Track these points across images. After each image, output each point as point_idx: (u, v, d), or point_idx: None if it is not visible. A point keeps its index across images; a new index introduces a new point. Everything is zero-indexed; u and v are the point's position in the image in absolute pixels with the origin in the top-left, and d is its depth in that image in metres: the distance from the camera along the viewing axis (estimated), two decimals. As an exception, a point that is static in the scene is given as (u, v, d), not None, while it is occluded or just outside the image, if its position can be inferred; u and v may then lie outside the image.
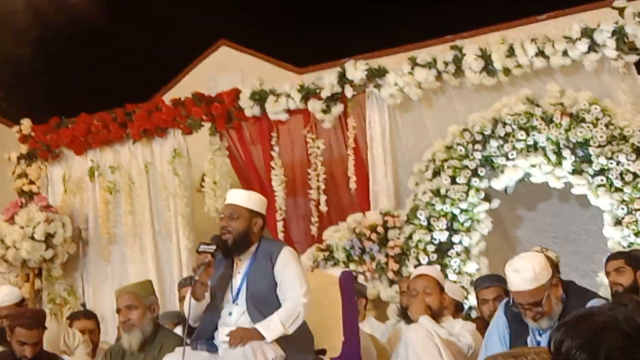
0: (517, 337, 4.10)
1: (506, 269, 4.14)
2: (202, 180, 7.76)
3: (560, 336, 1.29)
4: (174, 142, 7.77)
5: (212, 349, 4.49)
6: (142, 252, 7.77)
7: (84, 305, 7.64)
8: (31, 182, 8.09)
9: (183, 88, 8.58)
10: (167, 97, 8.10)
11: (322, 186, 7.24)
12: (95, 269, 7.98)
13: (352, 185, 7.09)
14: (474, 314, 6.09)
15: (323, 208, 7.20)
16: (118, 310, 4.93)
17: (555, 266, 5.26)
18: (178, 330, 5.53)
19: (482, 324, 5.16)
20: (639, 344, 1.20)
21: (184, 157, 7.71)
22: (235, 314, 4.45)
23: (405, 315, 5.35)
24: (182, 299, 5.48)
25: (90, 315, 6.51)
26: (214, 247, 4.38)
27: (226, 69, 9.15)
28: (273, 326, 4.28)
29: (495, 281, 5.60)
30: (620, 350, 1.20)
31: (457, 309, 5.38)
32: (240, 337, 4.20)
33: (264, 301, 4.40)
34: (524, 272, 3.98)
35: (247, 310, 4.41)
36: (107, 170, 7.99)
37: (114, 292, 7.35)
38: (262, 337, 4.23)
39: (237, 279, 4.51)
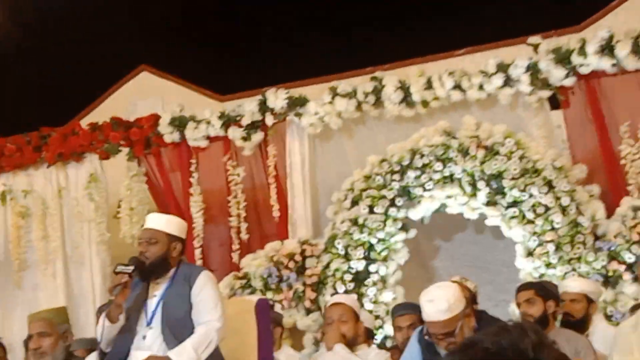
0: None
1: (420, 298, 4.17)
2: (119, 206, 7.64)
3: None
4: (90, 167, 7.63)
5: (123, 377, 4.40)
6: (54, 278, 7.57)
7: (-8, 332, 7.40)
8: (-59, 204, 7.83)
9: (102, 112, 8.45)
10: (85, 122, 7.96)
11: (243, 214, 7.20)
12: (5, 294, 7.73)
13: (276, 213, 7.07)
14: (389, 343, 6.11)
15: (244, 236, 7.16)
16: (29, 337, 4.77)
17: (473, 296, 5.34)
18: (91, 357, 5.40)
19: (397, 354, 5.18)
20: None
21: (100, 182, 7.57)
22: (149, 338, 4.36)
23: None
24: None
25: None
26: (131, 267, 4.30)
27: (147, 95, 9.06)
28: (186, 354, 4.21)
29: (410, 309, 5.62)
30: None
31: (368, 336, 5.38)
32: None
33: (179, 325, 4.33)
34: (438, 303, 4.01)
35: (162, 334, 4.33)
36: (20, 194, 7.79)
37: (24, 319, 7.17)
38: (174, 366, 4.16)
39: (153, 302, 4.43)
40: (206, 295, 4.40)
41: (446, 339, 3.99)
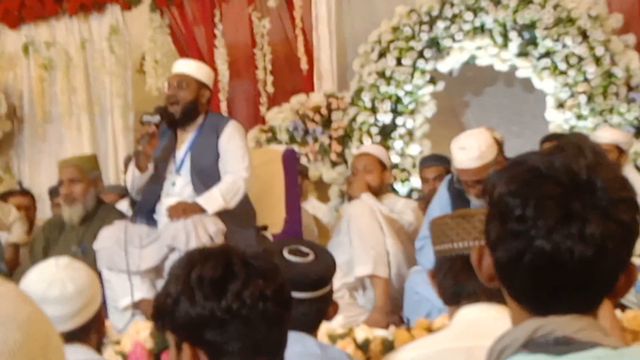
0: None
1: (452, 146, 4.12)
2: (143, 59, 7.54)
3: (493, 182, 1.23)
4: (111, 18, 7.49)
5: (152, 222, 4.45)
6: (78, 130, 7.58)
7: (20, 183, 7.47)
8: (-38, 56, 7.78)
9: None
10: (106, -29, 7.78)
11: (269, 67, 7.09)
12: (31, 147, 7.78)
13: (304, 66, 6.95)
14: (415, 196, 6.12)
15: (270, 89, 7.08)
16: (60, 182, 4.80)
17: (499, 146, 5.29)
18: (122, 203, 5.46)
19: (424, 205, 5.19)
20: (571, 192, 1.15)
21: (121, 34, 7.44)
22: (178, 185, 4.41)
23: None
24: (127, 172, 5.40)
25: (26, 192, 6.36)
26: (157, 117, 4.29)
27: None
28: (214, 199, 4.24)
29: (437, 161, 5.61)
30: (552, 198, 1.14)
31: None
32: (182, 210, 4.15)
33: (207, 173, 4.36)
34: (470, 150, 3.97)
35: (191, 181, 4.37)
36: (42, 46, 7.69)
37: (50, 170, 7.26)
38: (203, 211, 4.19)
39: (181, 150, 4.45)
40: (234, 145, 4.40)
41: (477, 186, 3.97)
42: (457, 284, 1.96)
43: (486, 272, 1.26)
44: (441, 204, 4.29)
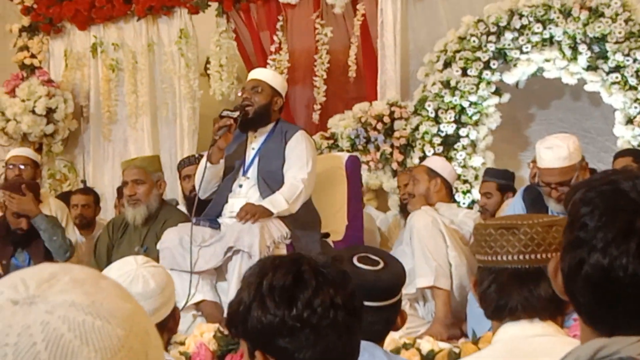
0: None
1: (537, 146, 4.08)
2: (207, 63, 7.61)
3: (574, 189, 1.20)
4: (180, 21, 7.57)
5: (215, 225, 4.50)
6: (143, 132, 7.67)
7: (84, 182, 7.60)
8: (32, 56, 7.91)
9: (190, -33, 8.32)
10: (174, -25, 7.87)
11: (326, 74, 7.10)
12: (95, 146, 7.89)
13: (352, 74, 6.94)
14: (475, 208, 6.05)
15: (326, 96, 7.08)
16: (124, 183, 4.87)
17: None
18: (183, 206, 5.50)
19: (486, 218, 5.14)
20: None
21: (190, 37, 7.52)
22: (245, 187, 4.52)
23: (404, 208, 5.33)
24: (182, 179, 5.46)
25: (88, 191, 6.46)
26: (237, 113, 4.40)
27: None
28: (277, 203, 4.31)
29: (494, 176, 5.61)
30: (619, 212, 1.11)
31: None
32: (251, 213, 4.19)
33: (273, 177, 4.45)
34: (558, 150, 3.90)
35: (257, 184, 4.43)
36: (110, 47, 7.82)
37: (114, 170, 7.37)
38: (270, 214, 4.23)
39: (250, 154, 4.58)
40: (299, 151, 4.48)
41: (560, 188, 3.89)
42: (500, 298, 1.88)
43: (559, 284, 1.23)
44: (515, 211, 4.23)
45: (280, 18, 7.25)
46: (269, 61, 7.18)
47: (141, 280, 2.34)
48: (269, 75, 4.72)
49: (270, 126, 4.59)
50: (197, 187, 4.51)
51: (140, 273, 2.36)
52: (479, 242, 1.91)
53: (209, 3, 7.44)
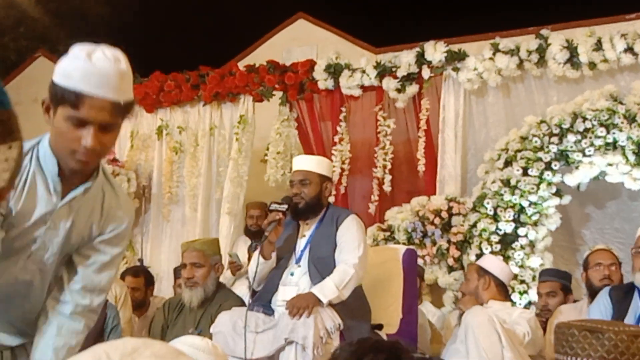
0: (619, 318, 3.99)
1: None
2: (267, 149, 7.72)
3: None
4: (242, 108, 7.73)
5: (269, 311, 4.48)
6: (196, 213, 7.76)
7: (141, 261, 7.66)
8: (101, 135, 8.10)
9: (257, 57, 8.53)
10: (241, 65, 8.07)
11: (389, 166, 7.13)
12: (155, 226, 8.01)
13: (421, 167, 6.97)
14: (533, 309, 5.94)
15: (387, 188, 7.10)
16: (183, 266, 4.91)
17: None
18: (239, 288, 5.51)
19: (541, 321, 5.04)
20: None
21: (249, 123, 7.65)
22: (296, 275, 4.47)
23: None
24: (249, 217, 5.65)
25: (138, 272, 6.42)
26: (285, 206, 4.39)
27: (301, 42, 9.11)
28: (327, 289, 4.26)
29: (553, 276, 5.50)
30: None
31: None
32: (303, 308, 4.14)
33: (324, 262, 4.41)
34: None
35: (309, 271, 4.40)
36: (175, 130, 8.00)
37: (171, 250, 7.43)
38: (319, 302, 4.19)
39: (302, 242, 4.54)
40: (350, 236, 4.46)
41: None
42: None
43: None
44: (600, 311, 4.17)
45: (344, 109, 7.36)
46: (333, 151, 7.25)
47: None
48: (314, 164, 4.64)
49: (321, 212, 4.59)
50: (250, 280, 4.52)
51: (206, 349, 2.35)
52: (560, 342, 1.88)
53: (274, 92, 7.59)
